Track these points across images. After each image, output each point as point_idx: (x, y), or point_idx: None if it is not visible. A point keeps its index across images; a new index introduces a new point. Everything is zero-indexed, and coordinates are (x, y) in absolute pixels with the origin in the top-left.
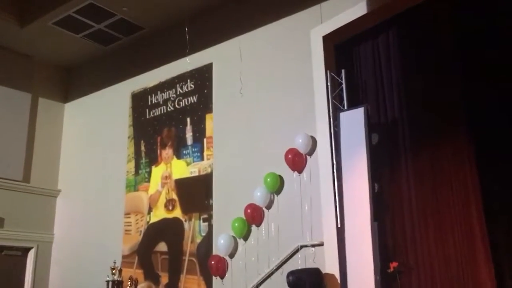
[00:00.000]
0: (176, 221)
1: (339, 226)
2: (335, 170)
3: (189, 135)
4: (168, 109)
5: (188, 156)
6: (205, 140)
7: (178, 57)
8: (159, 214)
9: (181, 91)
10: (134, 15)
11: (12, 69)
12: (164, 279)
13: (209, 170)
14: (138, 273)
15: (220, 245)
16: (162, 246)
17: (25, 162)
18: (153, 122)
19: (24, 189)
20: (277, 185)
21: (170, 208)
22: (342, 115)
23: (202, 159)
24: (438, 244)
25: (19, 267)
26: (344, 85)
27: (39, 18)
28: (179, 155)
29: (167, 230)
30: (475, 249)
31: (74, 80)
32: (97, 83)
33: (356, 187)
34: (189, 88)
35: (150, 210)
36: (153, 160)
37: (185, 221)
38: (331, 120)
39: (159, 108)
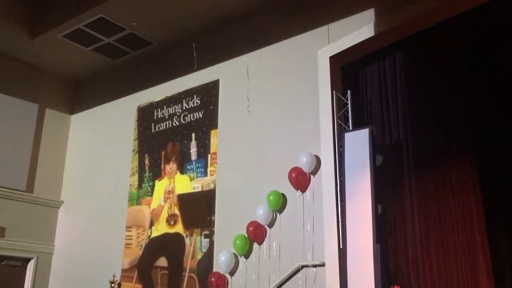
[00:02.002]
0: (177, 236)
1: (341, 247)
2: (338, 190)
3: (193, 150)
4: (174, 124)
5: (191, 171)
6: (209, 156)
7: (185, 72)
8: (161, 228)
9: (187, 106)
10: (143, 30)
11: (20, 80)
12: None
13: (212, 186)
14: None
15: (221, 262)
16: (162, 261)
17: (29, 172)
18: (158, 137)
19: (27, 199)
20: (280, 204)
21: (172, 223)
22: (347, 135)
23: (206, 175)
24: (440, 268)
25: (18, 278)
26: (349, 106)
27: (49, 31)
28: (182, 170)
29: (168, 245)
30: (478, 274)
31: (81, 92)
32: (104, 96)
33: (359, 208)
34: (195, 104)
35: (151, 224)
36: (157, 174)
37: (187, 236)
38: (336, 140)
39: (164, 123)
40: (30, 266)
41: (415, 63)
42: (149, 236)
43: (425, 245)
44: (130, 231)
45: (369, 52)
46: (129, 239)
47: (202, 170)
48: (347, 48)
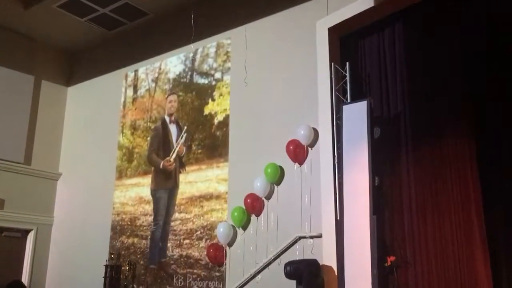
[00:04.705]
0: None
1: (338, 218)
2: (336, 162)
3: None
4: None
5: None
6: None
7: (182, 43)
8: None
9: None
10: (139, 0)
11: (15, 51)
12: None
13: None
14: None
15: (219, 233)
16: None
17: (26, 144)
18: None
19: (25, 171)
20: (278, 176)
21: None
22: (345, 107)
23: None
24: (436, 240)
25: (18, 249)
26: (348, 78)
27: (44, 0)
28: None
29: None
30: (473, 245)
31: (78, 64)
32: (100, 67)
33: (357, 180)
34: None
35: None
36: None
37: None
38: (334, 112)
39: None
40: (30, 238)
41: (414, 34)
42: None
43: (421, 217)
44: None
45: (368, 23)
46: None
47: None
48: (346, 19)
